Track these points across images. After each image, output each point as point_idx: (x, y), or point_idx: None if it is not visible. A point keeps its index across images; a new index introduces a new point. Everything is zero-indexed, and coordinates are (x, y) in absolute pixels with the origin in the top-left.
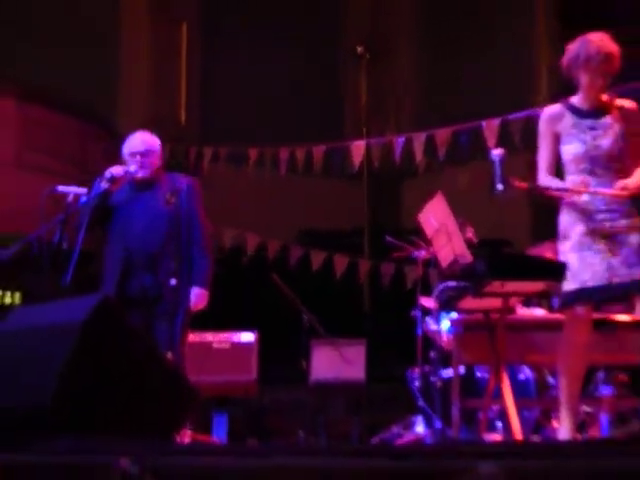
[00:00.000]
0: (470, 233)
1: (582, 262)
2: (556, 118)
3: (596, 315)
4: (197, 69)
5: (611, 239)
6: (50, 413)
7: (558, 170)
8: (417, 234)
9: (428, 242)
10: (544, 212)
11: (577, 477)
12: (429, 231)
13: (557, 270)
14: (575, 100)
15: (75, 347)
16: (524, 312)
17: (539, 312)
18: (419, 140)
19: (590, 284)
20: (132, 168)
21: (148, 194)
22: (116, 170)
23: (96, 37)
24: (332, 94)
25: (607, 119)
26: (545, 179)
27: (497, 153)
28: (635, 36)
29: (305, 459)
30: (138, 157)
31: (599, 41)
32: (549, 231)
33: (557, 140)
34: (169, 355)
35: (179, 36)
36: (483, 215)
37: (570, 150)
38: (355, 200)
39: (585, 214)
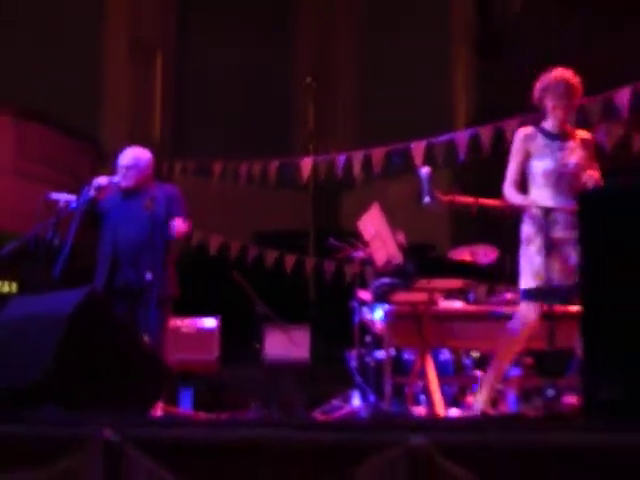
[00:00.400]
0: (401, 238)
1: (546, 264)
2: (530, 138)
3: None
4: (170, 93)
5: (566, 247)
6: (39, 388)
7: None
8: (355, 237)
9: (365, 244)
10: (462, 220)
11: (493, 448)
12: (367, 236)
13: (472, 270)
14: (545, 125)
15: (63, 334)
16: (445, 304)
17: (457, 304)
18: (357, 158)
19: (554, 284)
20: (116, 179)
21: (133, 201)
22: (101, 180)
23: (84, 64)
24: (284, 117)
25: (571, 143)
26: (509, 190)
27: (424, 171)
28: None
29: (261, 430)
30: (124, 170)
31: (561, 74)
32: (466, 237)
33: (528, 157)
34: (146, 338)
35: (154, 64)
36: (411, 222)
37: (542, 165)
38: (302, 208)
39: (546, 224)
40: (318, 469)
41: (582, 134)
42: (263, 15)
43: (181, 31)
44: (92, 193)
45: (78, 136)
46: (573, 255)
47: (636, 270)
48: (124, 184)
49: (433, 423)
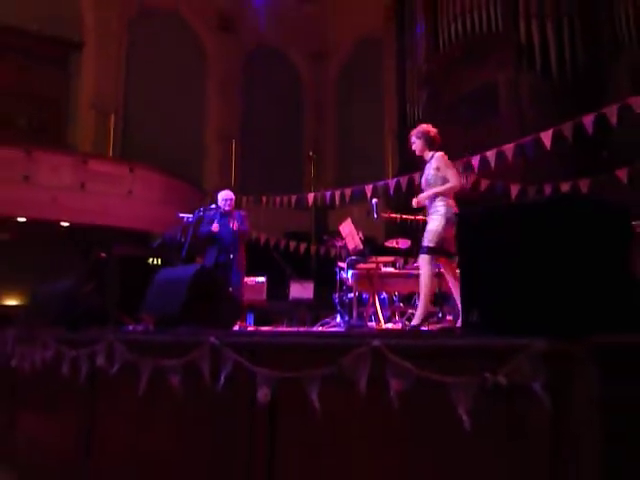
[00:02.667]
0: (361, 236)
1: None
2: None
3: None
4: (238, 157)
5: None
6: (177, 316)
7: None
8: (337, 234)
9: (342, 238)
10: (390, 225)
11: (414, 347)
12: (344, 234)
13: (397, 252)
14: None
15: (188, 287)
16: (384, 269)
17: (390, 269)
18: (337, 194)
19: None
20: (221, 204)
21: (226, 218)
22: (205, 207)
23: (196, 140)
24: (299, 171)
25: (429, 164)
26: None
27: (374, 201)
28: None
29: (292, 337)
30: (225, 201)
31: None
32: (392, 234)
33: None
34: (231, 288)
35: (231, 148)
36: (365, 227)
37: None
38: (308, 219)
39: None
40: (322, 358)
41: (433, 155)
42: (291, 106)
43: (248, 121)
44: (200, 214)
45: (191, 182)
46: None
47: (484, 253)
48: (226, 209)
49: (384, 334)
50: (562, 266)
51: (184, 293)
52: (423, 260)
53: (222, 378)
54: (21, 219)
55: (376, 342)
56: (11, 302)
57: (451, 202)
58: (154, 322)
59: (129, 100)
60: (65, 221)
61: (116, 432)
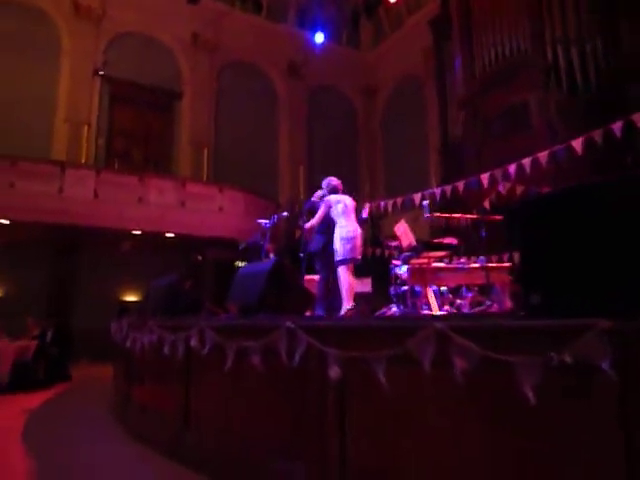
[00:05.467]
0: (413, 235)
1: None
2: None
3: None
4: (305, 177)
5: None
6: (256, 305)
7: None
8: (391, 236)
9: (397, 238)
10: (435, 229)
11: (475, 331)
12: (398, 233)
13: (448, 247)
14: None
15: (265, 280)
16: (435, 264)
17: (440, 264)
18: (389, 203)
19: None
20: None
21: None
22: (281, 214)
23: (270, 165)
24: (356, 190)
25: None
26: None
27: (426, 202)
28: None
29: (358, 321)
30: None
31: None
32: (438, 235)
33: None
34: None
35: (299, 171)
36: (413, 229)
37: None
38: (367, 229)
39: None
40: (389, 340)
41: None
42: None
43: (312, 147)
44: (275, 220)
45: (268, 198)
46: None
47: (545, 237)
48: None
49: (446, 318)
50: (624, 246)
51: (262, 285)
52: None
53: (297, 357)
54: (136, 232)
55: (439, 324)
56: (131, 298)
57: None
58: (238, 310)
59: (218, 135)
60: (170, 232)
61: (208, 401)
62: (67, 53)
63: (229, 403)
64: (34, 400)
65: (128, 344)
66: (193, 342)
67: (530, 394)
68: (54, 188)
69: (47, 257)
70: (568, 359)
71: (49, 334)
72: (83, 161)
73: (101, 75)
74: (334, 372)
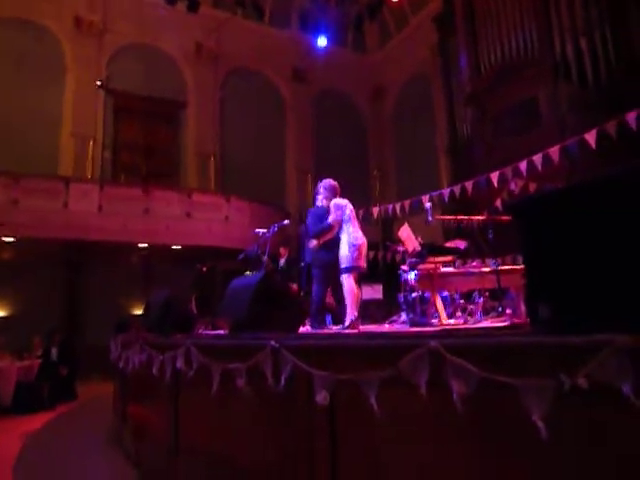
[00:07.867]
0: (419, 239)
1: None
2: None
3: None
4: (313, 186)
5: None
6: (246, 321)
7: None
8: (399, 241)
9: (402, 243)
10: (448, 231)
11: (472, 347)
12: (402, 238)
13: (455, 251)
14: None
15: (253, 295)
16: (443, 269)
17: (449, 269)
18: (397, 206)
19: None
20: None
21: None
22: (282, 222)
23: (278, 177)
24: (366, 188)
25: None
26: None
27: (428, 205)
28: None
29: (348, 340)
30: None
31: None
32: (451, 237)
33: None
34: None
35: (307, 179)
36: (422, 233)
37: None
38: (375, 230)
39: None
40: (380, 361)
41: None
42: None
43: (320, 153)
44: (275, 229)
45: (275, 206)
46: None
47: (552, 242)
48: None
49: (440, 334)
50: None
51: (249, 299)
52: None
53: (282, 380)
54: (142, 245)
55: (433, 343)
56: (139, 312)
57: None
58: (228, 327)
59: (224, 144)
60: (176, 244)
61: (198, 425)
62: (71, 68)
63: (218, 428)
64: (35, 422)
65: (121, 364)
66: (179, 363)
67: (540, 424)
68: (59, 203)
69: (54, 273)
70: (583, 383)
71: (53, 352)
72: (89, 175)
73: (101, 86)
74: (321, 397)
